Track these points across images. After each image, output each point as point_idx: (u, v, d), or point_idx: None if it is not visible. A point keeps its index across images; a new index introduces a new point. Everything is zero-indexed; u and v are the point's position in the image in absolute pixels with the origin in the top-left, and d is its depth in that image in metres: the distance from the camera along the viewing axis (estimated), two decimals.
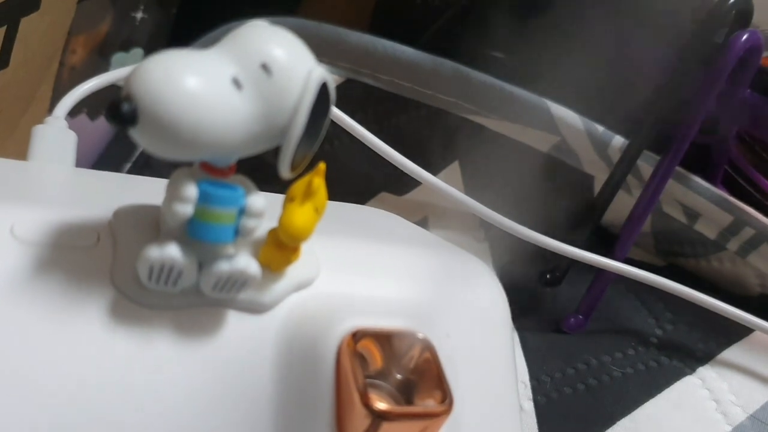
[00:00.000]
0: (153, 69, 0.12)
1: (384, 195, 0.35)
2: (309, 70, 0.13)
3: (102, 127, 0.34)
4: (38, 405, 0.13)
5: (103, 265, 0.14)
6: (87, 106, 0.33)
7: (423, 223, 0.36)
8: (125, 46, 0.35)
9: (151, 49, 0.36)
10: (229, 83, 0.13)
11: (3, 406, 0.13)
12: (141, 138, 0.12)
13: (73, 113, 0.27)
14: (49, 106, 0.29)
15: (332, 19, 0.34)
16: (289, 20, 0.34)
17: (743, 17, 0.27)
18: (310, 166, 0.15)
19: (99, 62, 0.34)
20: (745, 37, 0.25)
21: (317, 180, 0.15)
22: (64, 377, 0.13)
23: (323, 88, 0.13)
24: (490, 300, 0.19)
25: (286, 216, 0.14)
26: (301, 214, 0.14)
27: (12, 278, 0.13)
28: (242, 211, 0.14)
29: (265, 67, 0.13)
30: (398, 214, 0.35)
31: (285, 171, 0.14)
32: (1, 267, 0.13)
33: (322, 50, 0.34)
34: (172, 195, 0.13)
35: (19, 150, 0.23)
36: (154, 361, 0.14)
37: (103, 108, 0.34)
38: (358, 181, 0.34)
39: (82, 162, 0.23)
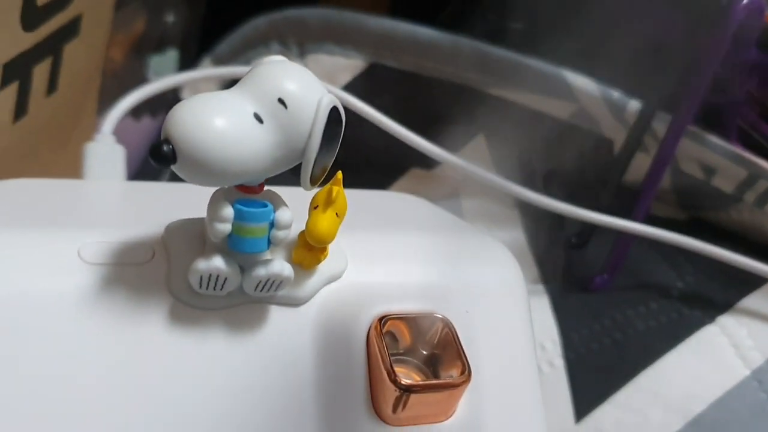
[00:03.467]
0: (186, 114, 0.14)
1: (415, 171, 0.37)
2: (319, 98, 0.15)
3: (146, 127, 0.36)
4: (114, 402, 0.16)
5: (160, 276, 0.17)
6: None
7: (454, 194, 0.37)
8: (159, 48, 0.37)
9: (184, 48, 0.38)
10: (251, 119, 0.15)
11: (84, 405, 0.15)
12: (181, 172, 0.14)
13: None
14: (95, 118, 0.31)
15: (352, 6, 0.35)
16: (312, 10, 0.36)
17: None
18: (330, 175, 0.17)
19: (136, 63, 0.36)
20: (745, 1, 0.26)
21: (336, 188, 0.17)
22: (132, 377, 0.16)
23: (334, 111, 0.15)
24: (505, 277, 0.20)
25: (311, 223, 0.16)
26: (324, 220, 0.16)
27: (83, 296, 0.16)
28: (272, 224, 0.16)
29: (281, 101, 0.15)
30: (430, 187, 0.37)
31: (306, 185, 0.16)
32: (73, 286, 0.16)
33: (344, 37, 0.35)
34: (212, 216, 0.15)
35: (73, 162, 0.25)
36: (210, 354, 0.17)
37: (146, 109, 0.36)
38: (388, 159, 0.36)
39: (129, 161, 0.25)
